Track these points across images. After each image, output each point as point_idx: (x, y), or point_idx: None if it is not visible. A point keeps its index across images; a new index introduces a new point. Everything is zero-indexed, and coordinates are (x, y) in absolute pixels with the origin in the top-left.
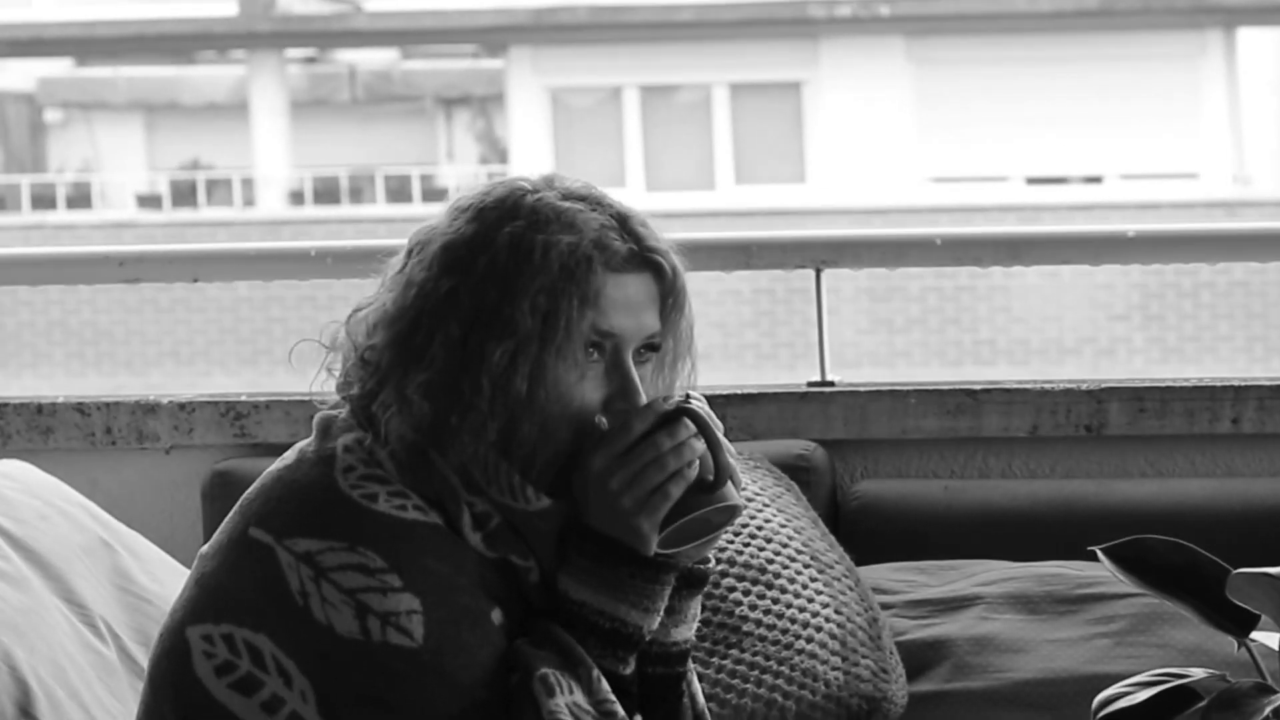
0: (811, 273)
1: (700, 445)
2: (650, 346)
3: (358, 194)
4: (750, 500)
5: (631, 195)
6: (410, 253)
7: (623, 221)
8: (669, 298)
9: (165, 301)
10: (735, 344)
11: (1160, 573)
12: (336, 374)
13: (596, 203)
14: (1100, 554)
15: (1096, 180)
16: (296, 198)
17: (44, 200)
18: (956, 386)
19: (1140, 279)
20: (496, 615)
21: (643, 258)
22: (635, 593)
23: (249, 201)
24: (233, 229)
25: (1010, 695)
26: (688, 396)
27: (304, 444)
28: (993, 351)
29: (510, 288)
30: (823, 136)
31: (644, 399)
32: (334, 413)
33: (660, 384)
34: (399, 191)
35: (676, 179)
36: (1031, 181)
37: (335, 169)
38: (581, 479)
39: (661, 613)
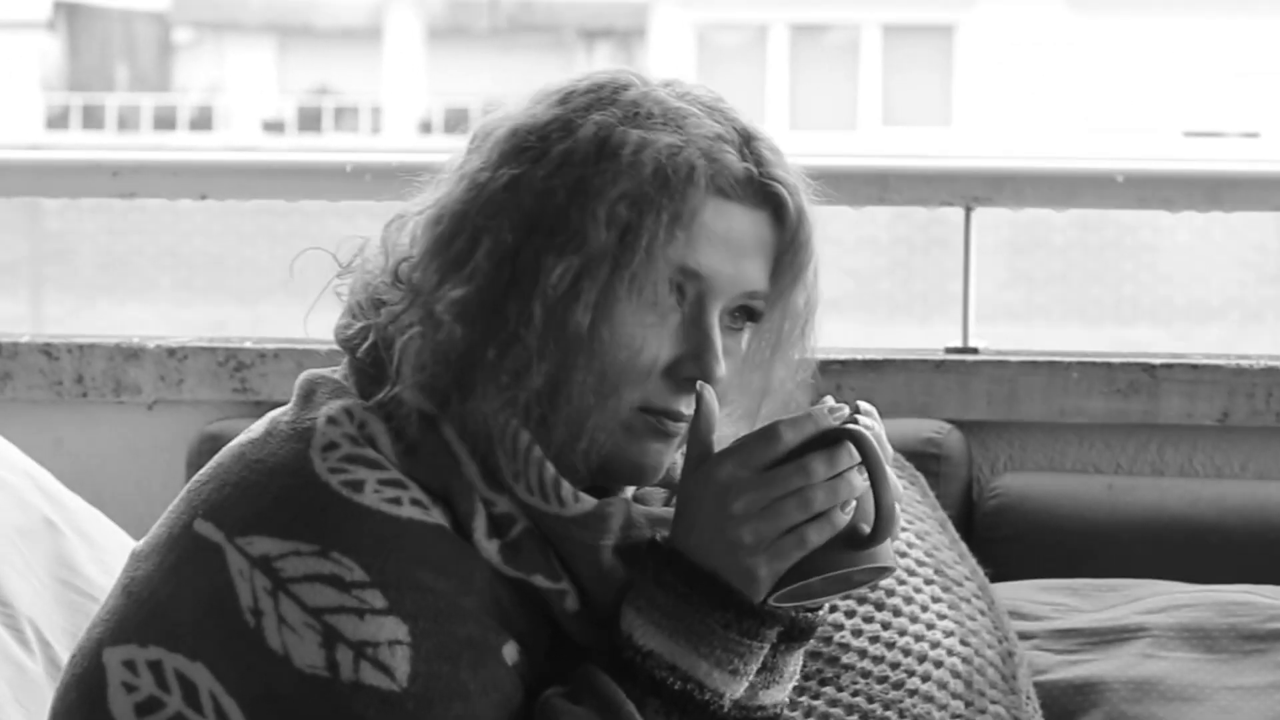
0: (960, 212)
1: (862, 482)
2: (747, 312)
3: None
4: None
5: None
6: (473, 142)
7: (746, 139)
8: (787, 252)
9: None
10: (868, 293)
11: None
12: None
13: (720, 113)
14: None
15: (1254, 135)
16: (426, 127)
17: (166, 121)
18: (1130, 359)
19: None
20: (510, 652)
21: (761, 187)
22: (725, 648)
23: (376, 130)
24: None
25: None
26: (856, 408)
27: (277, 412)
28: (1135, 311)
29: (585, 188)
30: (973, 81)
31: (723, 370)
32: (324, 372)
33: (754, 367)
34: None
35: (820, 119)
36: (1189, 135)
37: (469, 99)
38: (687, 486)
39: (750, 677)
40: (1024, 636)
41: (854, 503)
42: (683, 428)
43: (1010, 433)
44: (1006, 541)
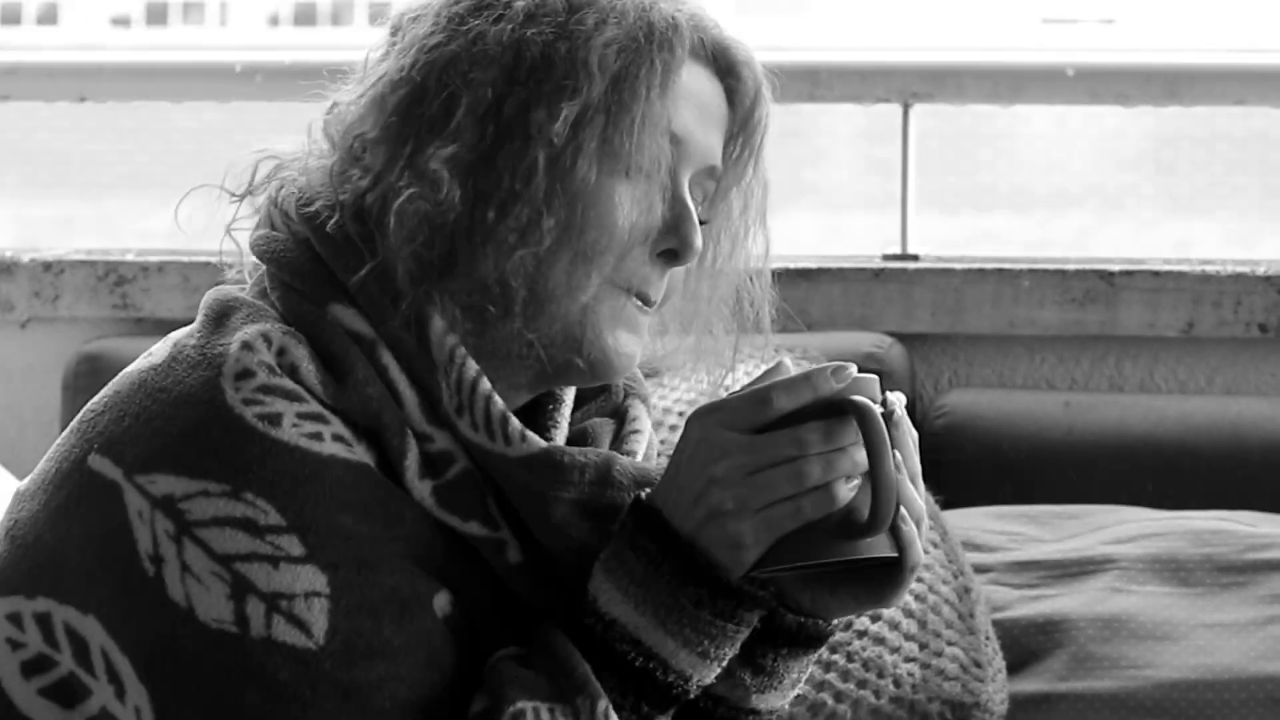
0: (899, 109)
1: (863, 458)
2: (698, 204)
3: (340, 18)
4: None
5: None
6: (400, 28)
7: (699, 15)
8: (741, 133)
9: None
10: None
11: None
12: (245, 233)
13: None
14: None
15: (1109, 21)
16: (274, 21)
17: (11, 17)
18: (1085, 266)
19: (1153, 126)
20: (442, 602)
21: (725, 52)
22: (694, 627)
23: (223, 24)
24: (209, 51)
25: (1150, 702)
26: (860, 377)
27: (180, 333)
28: (993, 199)
29: (567, 34)
30: None
31: (700, 242)
32: (235, 291)
33: (710, 258)
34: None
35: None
36: (1047, 22)
37: None
38: (690, 441)
39: (723, 663)
40: (980, 569)
41: (857, 482)
42: (648, 319)
43: (956, 346)
44: (955, 465)
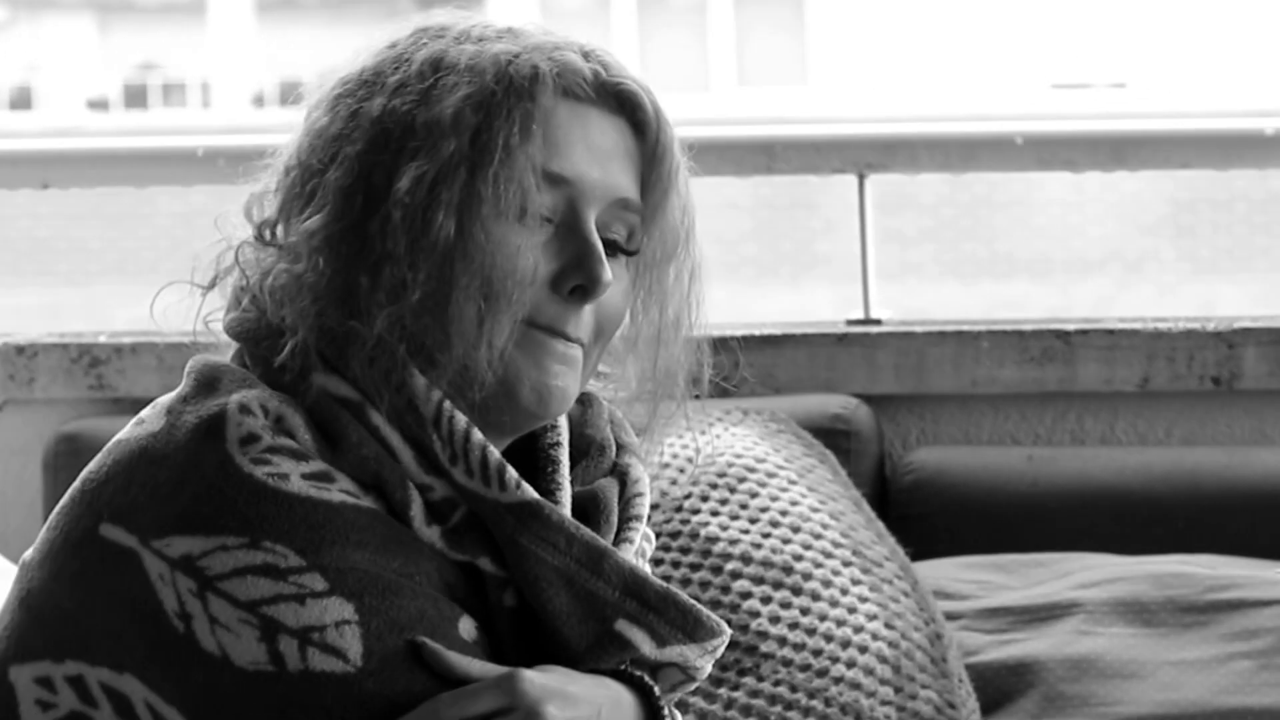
0: (854, 180)
1: None
2: (619, 240)
3: None
4: (771, 475)
5: None
6: (307, 113)
7: (587, 52)
8: (653, 159)
9: (112, 211)
10: (734, 258)
11: None
12: (221, 318)
13: (553, 33)
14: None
15: (1120, 86)
16: (259, 101)
17: None
18: (1042, 326)
19: (1171, 189)
20: (468, 626)
21: (614, 88)
22: None
23: (206, 104)
24: (188, 136)
25: None
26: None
27: (170, 400)
28: (1010, 266)
29: (426, 99)
30: (825, 38)
31: (609, 274)
32: (218, 360)
33: (643, 298)
34: None
35: (671, 81)
36: (1057, 87)
37: (302, 70)
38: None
39: None
40: (951, 617)
41: None
42: (577, 351)
43: (921, 406)
44: (925, 519)
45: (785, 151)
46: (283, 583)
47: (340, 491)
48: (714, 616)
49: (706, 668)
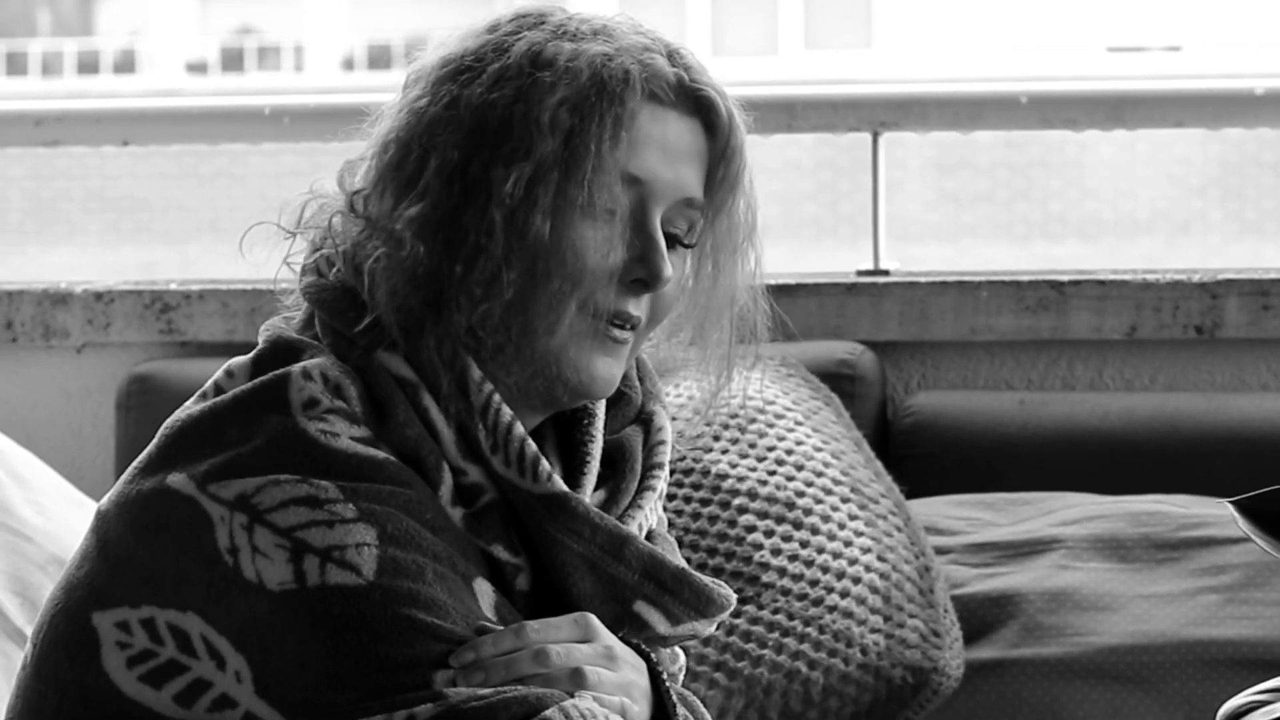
0: (868, 137)
1: None
2: (679, 234)
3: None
4: (779, 417)
5: None
6: (407, 82)
7: (672, 51)
8: (721, 159)
9: (206, 172)
10: (794, 218)
11: None
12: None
13: (643, 30)
14: (1231, 509)
15: (1176, 49)
16: (349, 64)
17: (89, 66)
18: (1038, 277)
19: (1220, 152)
20: (485, 588)
21: (692, 92)
22: None
23: (299, 68)
24: (283, 95)
25: (1092, 665)
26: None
27: (242, 363)
28: (1063, 227)
29: (525, 97)
30: (890, 6)
31: (670, 270)
32: (287, 331)
33: (703, 282)
34: None
35: (741, 45)
36: (1112, 50)
37: (391, 34)
38: None
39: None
40: (940, 551)
41: None
42: (630, 335)
43: (923, 352)
44: (921, 459)
45: (805, 110)
46: (318, 510)
47: (385, 453)
48: (724, 592)
49: (712, 629)
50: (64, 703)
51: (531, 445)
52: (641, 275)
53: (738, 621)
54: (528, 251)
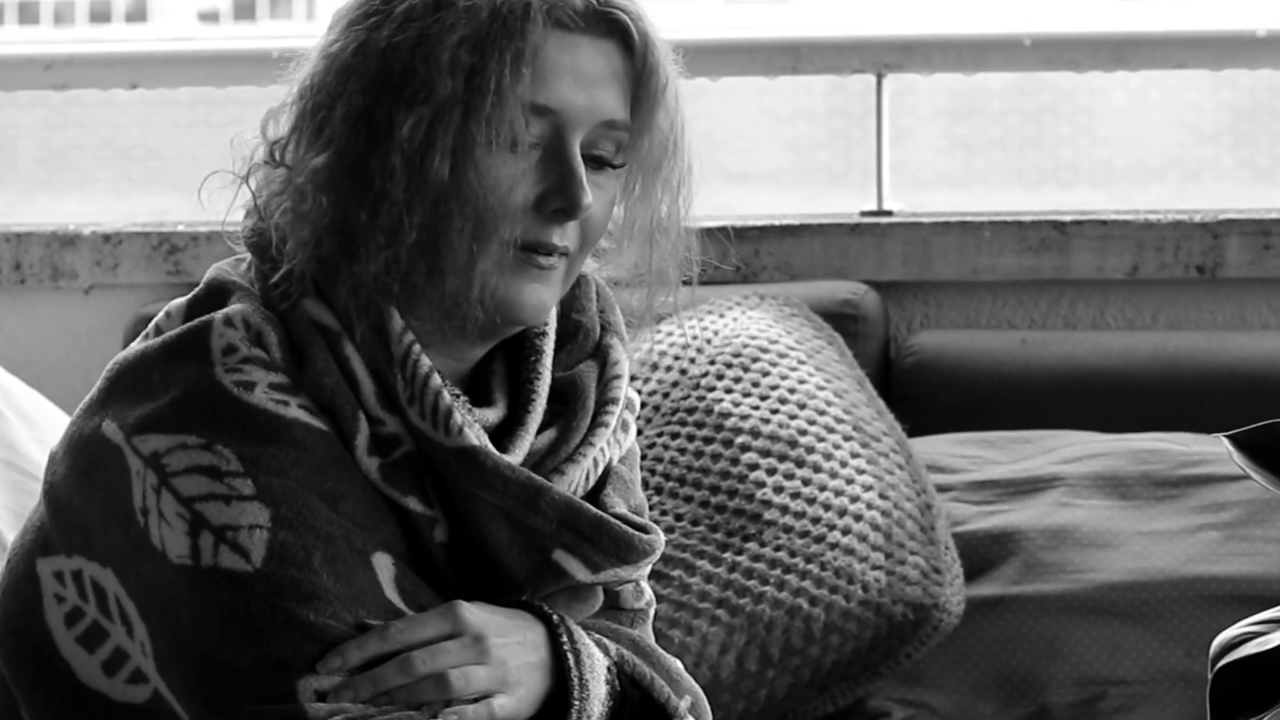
0: (872, 79)
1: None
2: (606, 155)
3: None
4: (782, 356)
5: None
6: (329, 28)
7: None
8: (641, 77)
9: (218, 120)
10: (806, 164)
11: None
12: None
13: None
14: (1226, 443)
15: None
16: None
17: (101, 14)
18: (1040, 217)
19: (1232, 98)
20: (384, 562)
21: (603, 15)
22: None
23: (310, 17)
24: (293, 39)
25: (1092, 601)
26: None
27: (179, 305)
28: (1074, 174)
29: (425, 38)
30: None
31: (589, 198)
32: (232, 275)
33: (634, 198)
34: None
35: None
36: None
37: None
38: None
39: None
40: (942, 489)
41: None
42: (557, 263)
43: (925, 292)
44: (923, 398)
45: (810, 53)
46: (218, 483)
47: (298, 407)
48: (647, 538)
49: (645, 571)
50: (16, 654)
51: (446, 397)
52: (561, 205)
53: (740, 559)
54: (428, 193)
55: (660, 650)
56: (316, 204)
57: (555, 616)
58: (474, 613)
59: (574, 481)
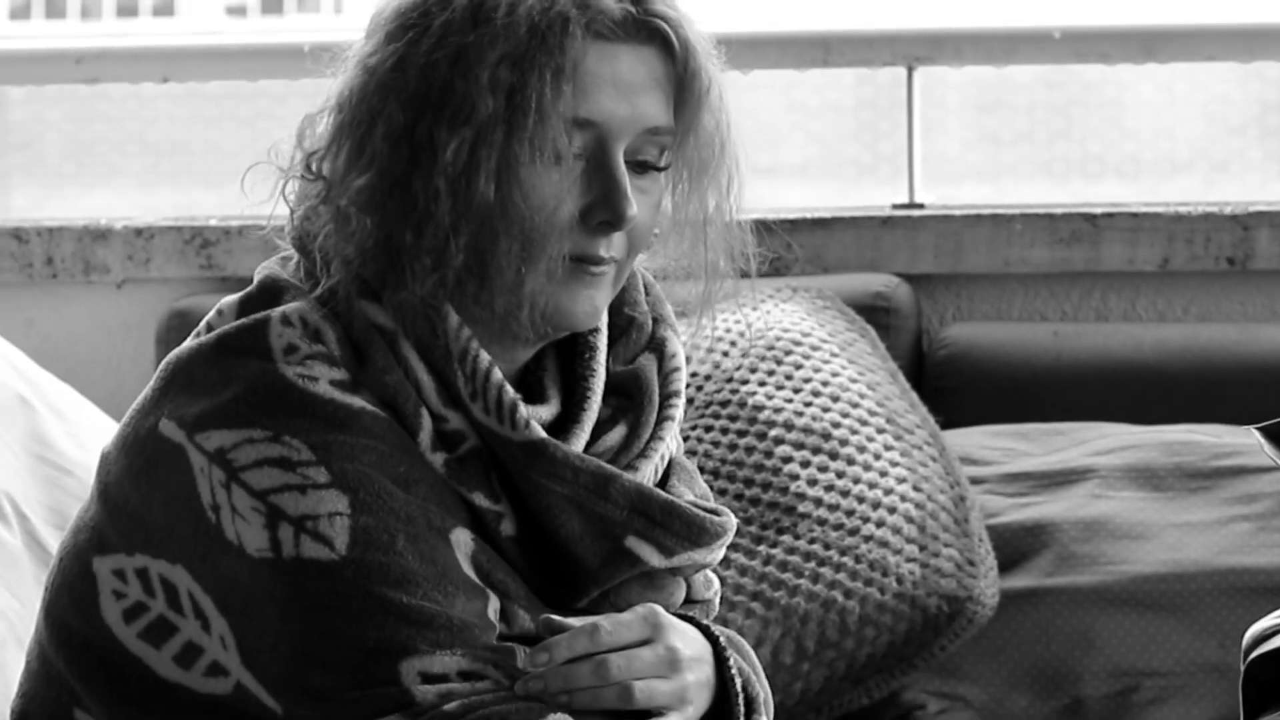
0: (903, 72)
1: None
2: (650, 160)
3: None
4: (815, 348)
5: None
6: (369, 27)
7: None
8: (684, 81)
9: (246, 114)
10: (835, 158)
11: None
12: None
13: None
14: (1257, 434)
15: None
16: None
17: (128, 8)
18: (1071, 210)
19: (1259, 90)
20: (463, 538)
21: (643, 24)
22: None
23: (339, 10)
24: (317, 34)
25: (1126, 593)
26: None
27: (232, 303)
28: (1102, 167)
29: (465, 56)
30: None
31: (634, 209)
32: (280, 272)
33: (681, 199)
34: None
35: None
36: None
37: None
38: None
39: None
40: (975, 481)
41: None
42: (607, 269)
43: (957, 284)
44: (956, 390)
45: (840, 46)
46: (291, 474)
47: (362, 400)
48: (719, 520)
49: (720, 555)
50: (66, 648)
51: (510, 392)
52: (606, 217)
53: (774, 552)
54: (475, 215)
55: (746, 644)
56: (361, 225)
57: (719, 635)
58: (668, 618)
59: (646, 476)
